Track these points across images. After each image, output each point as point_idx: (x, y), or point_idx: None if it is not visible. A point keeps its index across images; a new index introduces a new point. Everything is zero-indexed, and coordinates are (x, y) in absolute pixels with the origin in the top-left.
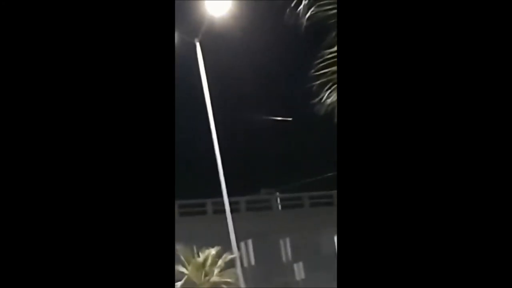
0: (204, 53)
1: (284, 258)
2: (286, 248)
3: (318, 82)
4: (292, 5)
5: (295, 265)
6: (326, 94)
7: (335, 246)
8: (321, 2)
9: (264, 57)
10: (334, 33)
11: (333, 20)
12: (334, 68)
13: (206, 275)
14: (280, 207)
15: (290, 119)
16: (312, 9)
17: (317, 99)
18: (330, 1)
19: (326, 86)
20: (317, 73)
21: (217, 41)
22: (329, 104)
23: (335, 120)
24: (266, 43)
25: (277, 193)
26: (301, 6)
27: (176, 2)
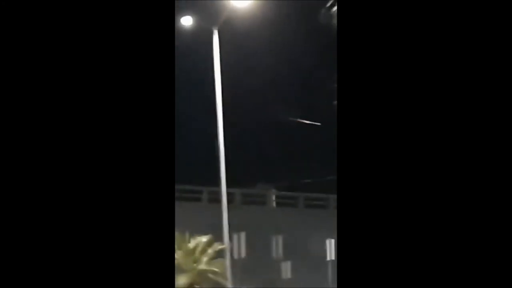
0: (221, 43)
1: (274, 255)
2: (277, 245)
3: None
4: (328, 5)
5: (283, 264)
6: None
7: (325, 249)
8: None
9: (284, 54)
10: None
11: None
12: None
13: (194, 262)
14: (274, 204)
15: (319, 124)
16: None
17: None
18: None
19: None
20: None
21: (237, 32)
22: None
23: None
24: (288, 41)
25: (273, 190)
26: (336, 7)
27: None
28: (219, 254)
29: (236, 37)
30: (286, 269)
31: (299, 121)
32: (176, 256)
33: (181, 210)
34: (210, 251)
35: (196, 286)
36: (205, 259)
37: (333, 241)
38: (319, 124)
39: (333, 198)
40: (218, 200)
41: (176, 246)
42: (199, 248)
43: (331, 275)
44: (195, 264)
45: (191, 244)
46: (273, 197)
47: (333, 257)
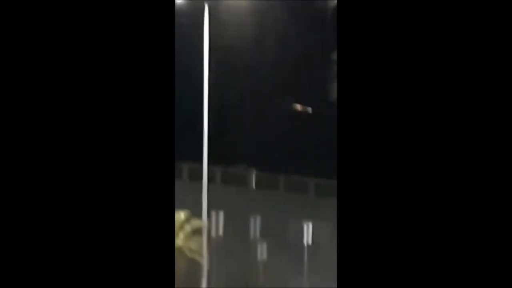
0: (212, 18)
1: (251, 235)
2: (255, 226)
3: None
4: None
5: (259, 245)
6: None
7: (302, 233)
8: None
9: (278, 35)
10: None
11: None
12: None
13: None
14: (254, 184)
15: (310, 110)
16: None
17: (332, 85)
18: None
19: None
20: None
21: (229, 9)
22: None
23: None
24: (283, 22)
25: (254, 171)
26: None
27: None
28: (197, 231)
29: (227, 15)
30: (262, 251)
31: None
32: None
33: None
34: (187, 227)
35: None
36: (182, 235)
37: (310, 225)
38: (310, 110)
39: (313, 182)
40: (199, 178)
41: None
42: (177, 224)
43: (306, 259)
44: None
45: None
46: (253, 178)
47: (309, 242)
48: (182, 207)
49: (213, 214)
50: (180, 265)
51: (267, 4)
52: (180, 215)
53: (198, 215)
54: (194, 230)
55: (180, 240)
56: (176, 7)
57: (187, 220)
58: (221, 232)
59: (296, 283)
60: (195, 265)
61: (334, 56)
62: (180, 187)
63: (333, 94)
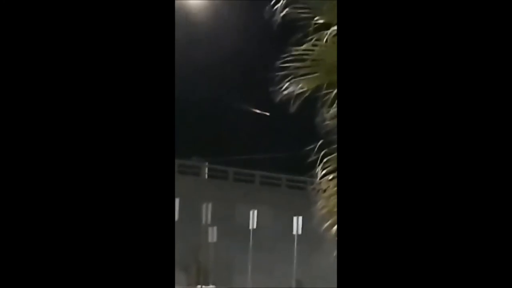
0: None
1: (203, 221)
2: (207, 212)
3: (282, 73)
4: (272, 2)
5: (210, 229)
6: (286, 85)
7: (248, 218)
8: (296, 5)
9: (236, 43)
10: (302, 34)
11: (303, 22)
12: (297, 64)
13: None
14: (207, 175)
15: (268, 114)
16: (287, 9)
17: (276, 88)
18: (303, 5)
19: (287, 78)
20: (282, 65)
21: (189, 16)
22: (286, 94)
23: (291, 108)
24: (240, 31)
25: (207, 163)
26: (278, 5)
27: None
28: None
29: (187, 20)
30: (213, 234)
31: (250, 110)
32: None
33: None
34: None
35: None
36: None
37: (255, 211)
38: (268, 114)
39: (258, 174)
40: None
41: None
42: None
43: (251, 241)
44: None
45: None
46: (206, 170)
47: (254, 226)
48: None
49: None
50: None
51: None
52: None
53: None
54: None
55: None
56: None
57: None
58: (176, 217)
59: (242, 259)
60: None
61: (277, 63)
62: None
63: (277, 96)
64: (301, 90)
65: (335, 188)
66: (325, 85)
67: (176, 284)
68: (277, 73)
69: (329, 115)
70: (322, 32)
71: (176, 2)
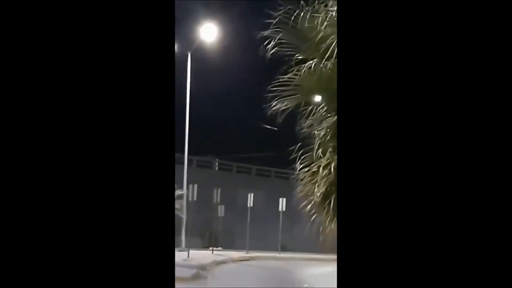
0: (193, 62)
1: (214, 201)
2: (217, 196)
3: (271, 94)
4: (265, 43)
5: (219, 207)
6: (274, 103)
7: (246, 199)
8: (282, 46)
9: (240, 73)
10: (286, 66)
11: (287, 58)
12: (282, 88)
13: None
14: (217, 168)
15: (276, 129)
16: (276, 48)
17: (267, 105)
18: (287, 45)
19: (275, 98)
20: (272, 89)
21: (204, 55)
22: (274, 109)
23: (278, 119)
24: (243, 65)
25: (217, 159)
26: (270, 45)
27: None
28: (179, 197)
29: (203, 59)
30: (221, 210)
31: (261, 126)
32: None
33: None
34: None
35: None
36: None
37: (252, 195)
38: (276, 129)
39: (254, 167)
40: (181, 163)
41: None
42: None
43: (249, 216)
44: None
45: None
46: (216, 164)
47: (251, 205)
48: None
49: (190, 186)
50: None
51: (231, 53)
52: None
53: (181, 187)
54: (178, 196)
55: None
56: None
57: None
58: (195, 198)
59: (242, 229)
60: (177, 218)
61: (268, 87)
62: None
63: (268, 111)
64: (285, 107)
65: (310, 177)
66: (302, 103)
67: (193, 247)
68: (268, 94)
69: (305, 125)
70: (300, 65)
71: (198, 46)
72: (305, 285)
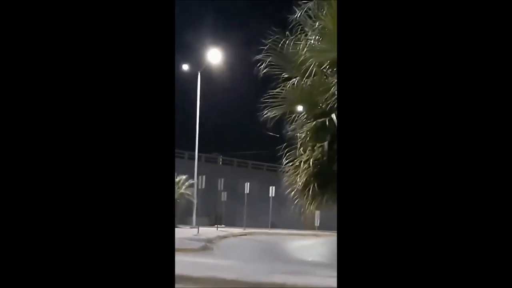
0: (202, 80)
1: (218, 188)
2: (221, 184)
3: (263, 105)
4: (258, 65)
5: (222, 193)
6: (266, 112)
7: (244, 187)
8: (272, 66)
9: (239, 89)
10: (275, 83)
11: (275, 76)
12: (272, 100)
13: (178, 188)
14: (221, 163)
15: (278, 135)
16: (267, 68)
17: (261, 113)
18: (276, 66)
19: (266, 107)
20: (264, 100)
21: (211, 74)
22: (265, 117)
23: (268, 124)
24: (242, 82)
25: (221, 156)
26: (262, 66)
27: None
28: (191, 185)
29: (210, 77)
30: (224, 196)
31: (265, 132)
32: None
33: None
34: (186, 183)
35: (177, 200)
36: (183, 187)
37: (248, 184)
38: (278, 135)
39: (250, 162)
40: (193, 159)
41: None
42: (181, 182)
43: (246, 201)
44: (178, 189)
45: (177, 179)
46: (220, 160)
47: (248, 192)
48: (184, 174)
49: (199, 177)
50: (182, 202)
51: (235, 73)
52: (183, 177)
53: (192, 177)
54: (190, 185)
55: (182, 189)
56: (182, 73)
57: (186, 179)
58: (203, 186)
59: (240, 211)
60: (189, 202)
61: (261, 99)
62: (183, 164)
63: (261, 118)
64: (274, 115)
65: (293, 170)
66: (287, 112)
67: (202, 225)
68: (260, 105)
69: (290, 129)
70: (286, 82)
71: (206, 67)
72: (310, 259)
